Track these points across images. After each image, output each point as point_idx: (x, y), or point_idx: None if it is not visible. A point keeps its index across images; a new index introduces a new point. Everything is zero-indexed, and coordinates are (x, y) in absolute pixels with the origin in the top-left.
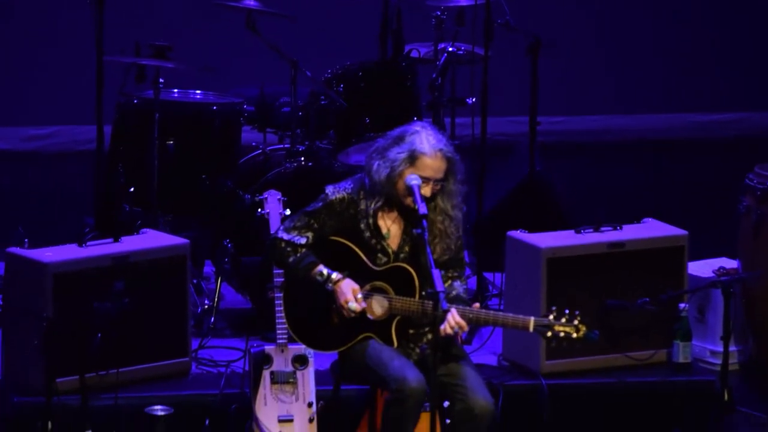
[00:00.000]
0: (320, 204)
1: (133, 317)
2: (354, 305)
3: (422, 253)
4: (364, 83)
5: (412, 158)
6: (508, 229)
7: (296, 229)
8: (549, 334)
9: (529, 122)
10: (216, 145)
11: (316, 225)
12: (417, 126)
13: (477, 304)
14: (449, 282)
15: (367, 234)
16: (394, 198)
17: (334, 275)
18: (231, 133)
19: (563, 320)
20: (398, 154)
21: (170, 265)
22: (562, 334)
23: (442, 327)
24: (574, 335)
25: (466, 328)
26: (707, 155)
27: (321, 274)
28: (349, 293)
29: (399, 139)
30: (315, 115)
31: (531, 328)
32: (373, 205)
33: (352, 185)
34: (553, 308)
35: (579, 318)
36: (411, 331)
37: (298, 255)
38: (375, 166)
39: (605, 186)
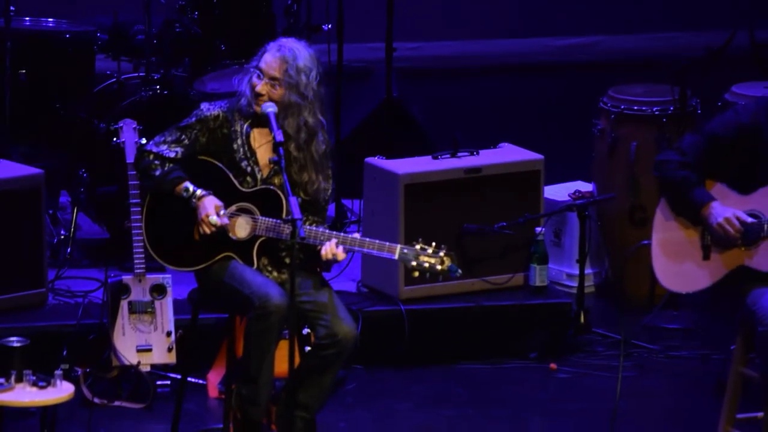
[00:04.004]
0: (193, 119)
1: None
2: (214, 219)
3: (282, 180)
4: (218, 10)
5: (261, 54)
6: (366, 154)
7: (166, 143)
8: (413, 263)
9: (386, 48)
10: (70, 74)
11: (186, 141)
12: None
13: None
14: (316, 225)
15: (240, 155)
16: (263, 119)
17: (199, 192)
18: (85, 62)
19: (429, 251)
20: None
21: (25, 195)
22: (426, 265)
23: (322, 252)
24: (438, 267)
25: (342, 258)
26: (561, 79)
27: (186, 189)
28: (211, 208)
29: None
30: (170, 42)
31: (396, 255)
32: (246, 126)
33: (227, 104)
34: (420, 239)
35: (445, 250)
36: (271, 256)
37: (165, 169)
38: (241, 79)
39: (462, 111)
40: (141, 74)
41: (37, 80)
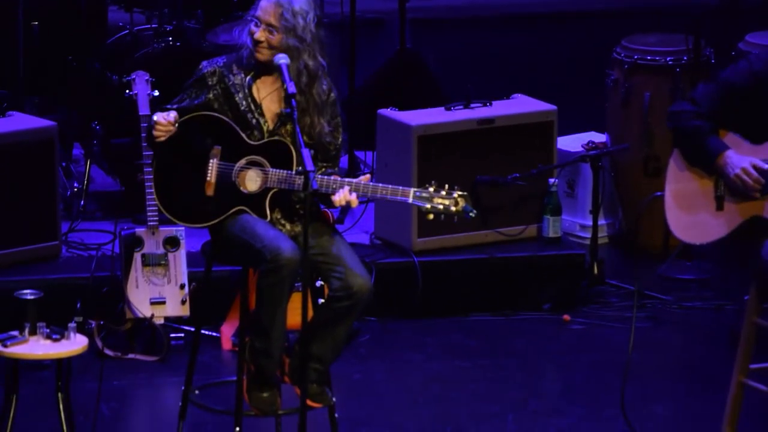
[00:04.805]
0: (193, 78)
1: (1, 201)
2: (156, 116)
3: (294, 132)
4: None
5: (257, 4)
6: (379, 106)
7: (171, 104)
8: (428, 206)
9: None
10: (82, 26)
11: (187, 99)
12: None
13: (367, 175)
14: (324, 170)
15: (243, 107)
16: (265, 67)
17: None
18: (97, 13)
19: (443, 193)
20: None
21: (38, 147)
22: (440, 207)
23: (336, 198)
24: (453, 208)
25: (355, 205)
26: (575, 29)
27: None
28: (160, 114)
29: None
30: None
31: (410, 199)
32: (248, 79)
33: (225, 59)
34: (433, 182)
35: (459, 192)
36: (283, 208)
37: None
38: (241, 31)
39: (475, 62)
40: (154, 26)
41: (49, 32)
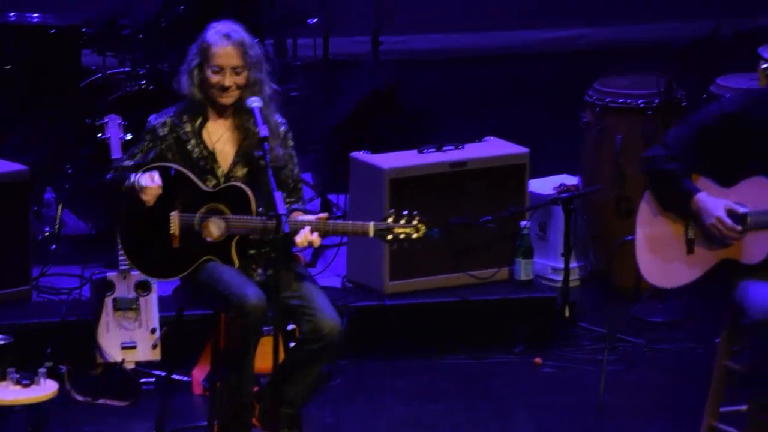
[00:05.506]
0: (144, 132)
1: None
2: (144, 181)
3: (264, 175)
4: (205, 3)
5: (203, 51)
6: (355, 147)
7: (123, 156)
8: (389, 237)
9: (372, 41)
10: (55, 69)
11: (140, 154)
12: (214, 23)
13: (324, 215)
14: (289, 205)
15: (196, 155)
16: (217, 109)
17: (138, 176)
18: (70, 57)
19: (402, 222)
20: (192, 53)
21: (10, 191)
22: (402, 236)
23: (298, 239)
24: (415, 235)
25: (318, 244)
26: (547, 72)
27: (130, 181)
28: (146, 178)
29: (196, 43)
30: (156, 37)
31: (371, 233)
32: (198, 125)
33: (174, 109)
34: (392, 211)
35: (418, 218)
36: (251, 252)
37: (120, 173)
38: (183, 79)
39: (448, 104)
40: (126, 69)
41: (22, 75)
